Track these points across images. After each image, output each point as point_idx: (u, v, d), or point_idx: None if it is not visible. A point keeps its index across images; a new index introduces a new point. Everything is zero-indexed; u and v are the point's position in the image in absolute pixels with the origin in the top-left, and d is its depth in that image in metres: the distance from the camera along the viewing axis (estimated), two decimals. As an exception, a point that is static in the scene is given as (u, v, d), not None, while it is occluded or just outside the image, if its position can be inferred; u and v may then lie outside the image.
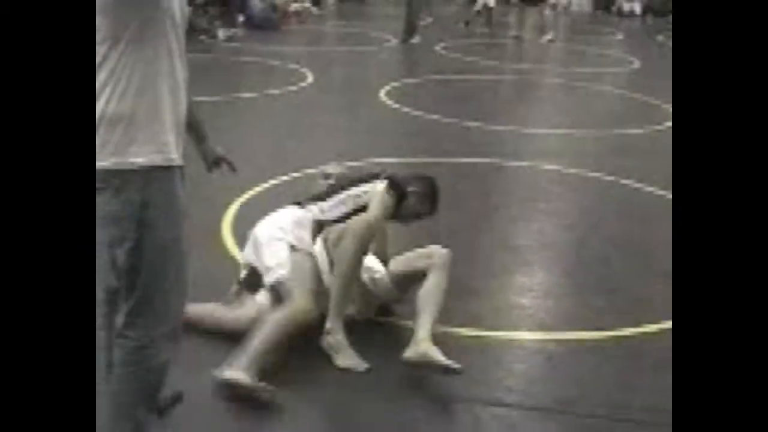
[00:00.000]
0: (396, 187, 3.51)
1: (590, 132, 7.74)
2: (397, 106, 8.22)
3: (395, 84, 9.42)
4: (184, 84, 2.22)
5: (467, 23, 15.86)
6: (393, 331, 3.49)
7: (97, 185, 2.07)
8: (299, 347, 3.14)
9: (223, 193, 4.87)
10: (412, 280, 3.40)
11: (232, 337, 3.12)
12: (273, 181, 5.37)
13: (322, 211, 3.60)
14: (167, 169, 2.16)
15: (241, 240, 3.83)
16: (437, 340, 3.12)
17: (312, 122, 7.47)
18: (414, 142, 6.94)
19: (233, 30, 12.77)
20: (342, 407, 3.00)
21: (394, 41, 13.26)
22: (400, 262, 3.51)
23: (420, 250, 3.46)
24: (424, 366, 3.05)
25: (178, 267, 2.24)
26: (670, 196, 5.45)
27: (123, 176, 2.09)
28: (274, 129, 7.22)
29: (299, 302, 3.14)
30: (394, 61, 12.23)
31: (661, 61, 12.62)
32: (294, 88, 8.92)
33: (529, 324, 3.72)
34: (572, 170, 6.20)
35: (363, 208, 3.47)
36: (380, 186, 3.49)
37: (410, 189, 3.57)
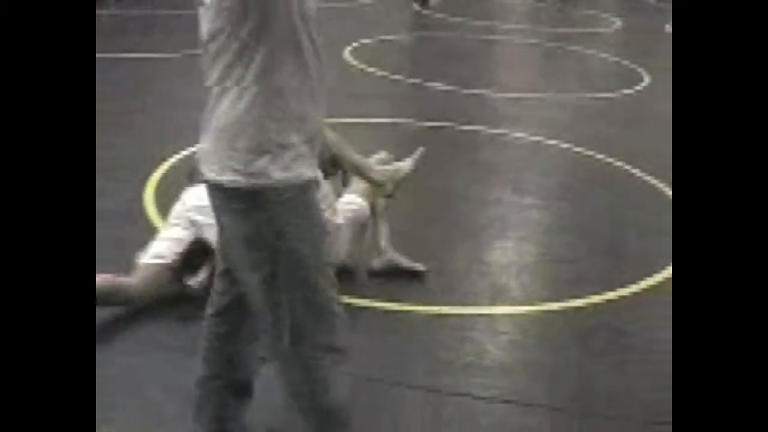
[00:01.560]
0: None
1: (564, 96, 7.32)
2: (358, 63, 7.77)
3: (365, 41, 8.94)
4: (321, 88, 1.96)
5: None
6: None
7: (218, 203, 1.91)
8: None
9: (145, 164, 4.48)
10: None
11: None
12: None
13: None
14: (301, 186, 1.90)
15: (164, 210, 3.63)
16: (394, 317, 3.23)
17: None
18: (369, 103, 6.53)
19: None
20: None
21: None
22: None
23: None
24: (393, 271, 3.45)
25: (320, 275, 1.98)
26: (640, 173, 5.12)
27: (250, 198, 1.86)
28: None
29: None
30: (371, 17, 11.68)
31: (642, 21, 12.18)
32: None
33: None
34: (538, 138, 5.83)
35: None
36: None
37: None
